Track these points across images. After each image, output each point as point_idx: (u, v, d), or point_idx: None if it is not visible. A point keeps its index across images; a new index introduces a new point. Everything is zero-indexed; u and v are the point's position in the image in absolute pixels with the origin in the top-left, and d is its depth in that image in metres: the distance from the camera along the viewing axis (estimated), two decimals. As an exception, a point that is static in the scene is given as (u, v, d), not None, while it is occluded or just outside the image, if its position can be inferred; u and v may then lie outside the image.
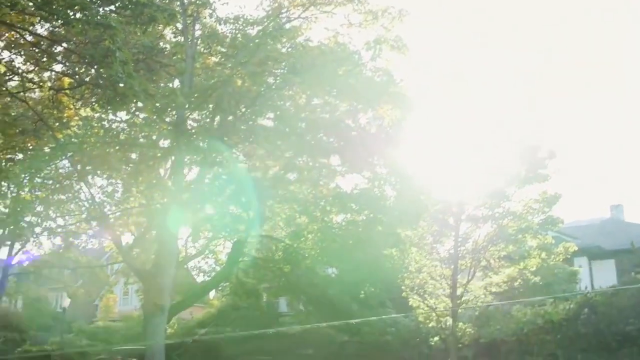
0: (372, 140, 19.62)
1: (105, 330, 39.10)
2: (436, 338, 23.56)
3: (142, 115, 19.21)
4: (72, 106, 17.93)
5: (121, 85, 10.68)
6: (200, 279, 33.34)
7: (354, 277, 26.30)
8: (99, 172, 18.51)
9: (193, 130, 19.21)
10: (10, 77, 17.58)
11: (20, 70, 17.21)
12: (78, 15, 10.75)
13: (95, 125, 18.64)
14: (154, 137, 19.74)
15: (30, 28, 13.72)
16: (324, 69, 17.15)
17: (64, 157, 18.24)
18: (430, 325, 23.66)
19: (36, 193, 20.19)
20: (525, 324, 23.77)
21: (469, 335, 22.73)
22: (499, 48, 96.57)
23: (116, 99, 11.72)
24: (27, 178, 19.58)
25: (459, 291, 22.68)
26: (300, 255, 25.75)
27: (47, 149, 18.54)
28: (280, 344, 28.92)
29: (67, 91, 17.01)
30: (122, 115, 19.64)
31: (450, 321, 22.67)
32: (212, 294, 43.14)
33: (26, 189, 20.25)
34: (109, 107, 13.65)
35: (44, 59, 15.94)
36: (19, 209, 19.30)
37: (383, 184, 21.38)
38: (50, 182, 19.82)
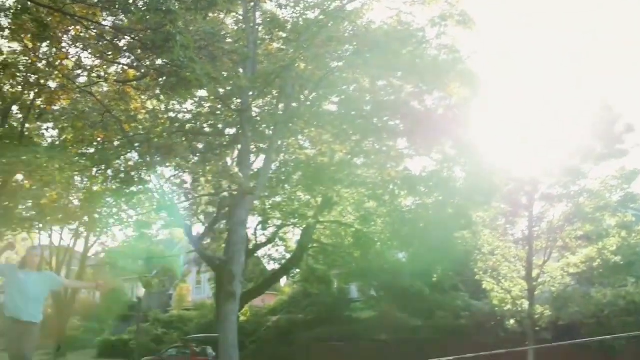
0: (439, 121, 19.08)
1: (179, 318, 39.87)
2: (512, 321, 22.95)
3: (207, 105, 19.26)
4: (138, 98, 18.08)
5: (183, 69, 10.60)
6: (270, 266, 33.63)
7: (425, 260, 25.92)
8: (166, 163, 18.60)
9: (258, 117, 19.13)
10: (79, 73, 17.88)
11: (87, 66, 17.48)
12: (140, 4, 10.74)
13: (161, 116, 18.78)
14: (220, 126, 19.76)
15: (94, 19, 13.79)
16: (387, 49, 16.74)
17: (132, 149, 18.43)
18: (505, 308, 23.03)
19: (107, 185, 20.53)
20: (605, 305, 22.93)
21: (546, 317, 22.05)
22: (563, 24, 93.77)
23: (179, 85, 11.65)
24: (99, 171, 19.94)
25: (534, 273, 22.00)
26: (370, 240, 25.56)
27: (115, 142, 18.78)
28: (353, 329, 28.82)
29: (133, 83, 17.14)
30: (188, 105, 19.76)
31: (526, 304, 22.03)
32: (283, 281, 43.53)
33: (99, 182, 20.63)
34: (172, 94, 13.59)
35: (109, 53, 16.05)
36: (91, 202, 19.65)
37: (452, 165, 20.87)
38: (121, 174, 20.08)
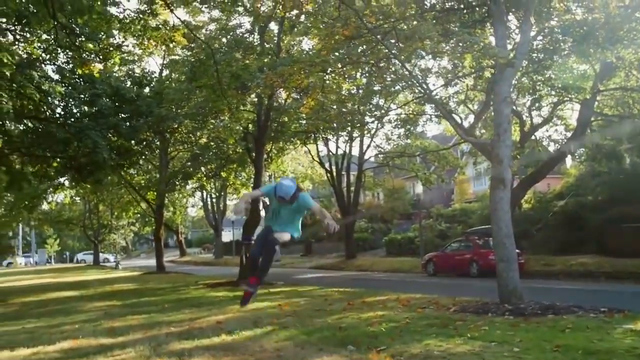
0: None
1: (462, 212, 39.44)
2: None
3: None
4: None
5: None
6: (551, 148, 31.70)
7: None
8: (417, 49, 17.36)
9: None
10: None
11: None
12: None
13: (409, 3, 17.52)
14: (472, 2, 18.03)
15: None
16: None
17: (379, 42, 17.47)
18: None
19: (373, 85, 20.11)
20: None
21: None
22: None
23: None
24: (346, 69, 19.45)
25: None
26: (665, 102, 22.61)
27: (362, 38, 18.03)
28: (653, 207, 25.83)
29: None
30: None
31: None
32: (568, 162, 41.10)
33: (359, 83, 20.22)
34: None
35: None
36: (344, 103, 19.41)
37: None
38: (372, 69, 19.44)
